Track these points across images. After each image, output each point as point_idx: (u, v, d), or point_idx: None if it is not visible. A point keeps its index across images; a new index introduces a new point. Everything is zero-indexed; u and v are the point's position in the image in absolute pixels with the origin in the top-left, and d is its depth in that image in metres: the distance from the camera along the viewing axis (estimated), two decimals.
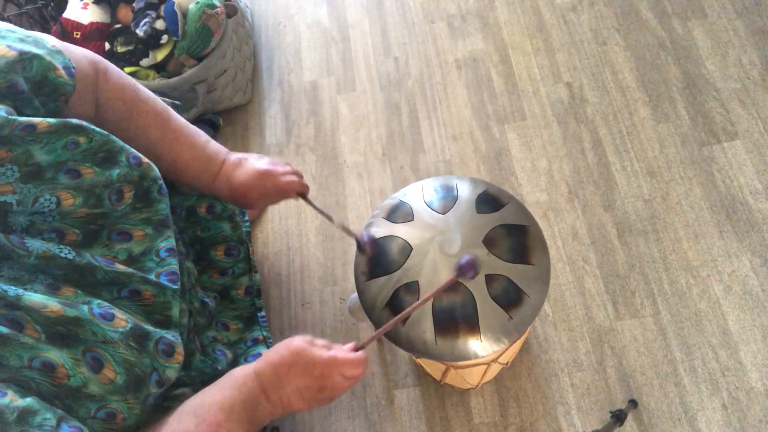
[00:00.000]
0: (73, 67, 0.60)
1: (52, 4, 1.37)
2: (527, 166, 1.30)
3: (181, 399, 0.65)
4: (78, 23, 1.27)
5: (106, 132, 0.60)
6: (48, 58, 0.57)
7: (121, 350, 0.55)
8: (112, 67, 0.69)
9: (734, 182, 1.22)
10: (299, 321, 1.23)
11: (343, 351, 0.63)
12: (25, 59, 0.55)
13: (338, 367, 0.60)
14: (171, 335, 0.63)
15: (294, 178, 0.80)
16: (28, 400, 0.46)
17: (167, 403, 0.64)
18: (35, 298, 0.51)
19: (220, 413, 0.56)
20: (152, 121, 0.72)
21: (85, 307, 0.54)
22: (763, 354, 1.07)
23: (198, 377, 0.71)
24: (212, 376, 0.73)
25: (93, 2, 1.28)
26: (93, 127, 0.59)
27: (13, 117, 0.52)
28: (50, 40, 0.60)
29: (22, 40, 0.57)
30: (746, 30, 1.37)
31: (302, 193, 0.82)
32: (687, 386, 1.06)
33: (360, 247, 0.78)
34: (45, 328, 0.51)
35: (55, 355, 0.50)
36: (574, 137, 1.32)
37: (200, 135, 0.78)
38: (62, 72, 0.58)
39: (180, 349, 0.63)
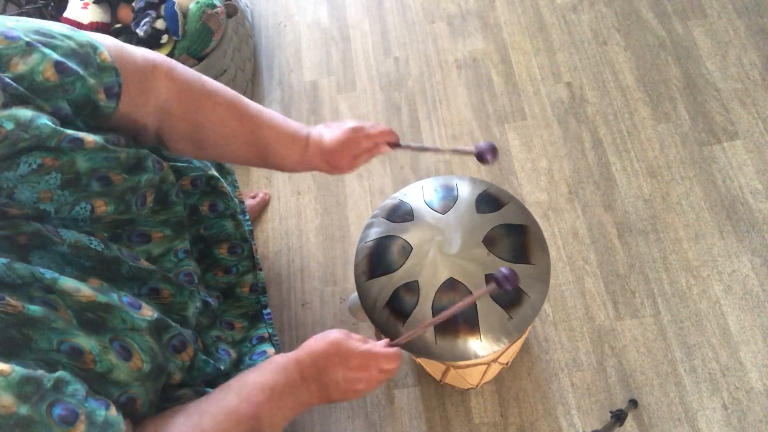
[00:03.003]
0: (119, 85, 0.60)
1: (52, 3, 1.37)
2: (527, 166, 1.30)
3: (182, 400, 0.64)
4: (78, 23, 1.27)
5: (135, 149, 0.61)
6: (92, 80, 0.56)
7: (147, 338, 0.57)
8: (178, 66, 0.68)
9: (734, 182, 1.22)
10: (299, 321, 1.23)
11: (378, 345, 0.65)
12: (67, 83, 0.54)
13: (375, 359, 0.63)
14: (188, 333, 0.64)
15: (382, 127, 0.79)
16: (60, 372, 0.47)
17: (168, 404, 0.64)
18: (69, 282, 0.52)
19: (261, 394, 0.58)
20: (227, 112, 0.71)
21: (115, 295, 0.56)
22: (763, 354, 1.07)
23: (200, 377, 0.71)
24: (215, 376, 0.73)
25: (93, 2, 1.28)
26: (128, 149, 0.60)
27: (61, 129, 0.52)
28: (104, 52, 0.58)
29: (74, 53, 0.56)
30: (746, 30, 1.37)
31: (394, 141, 0.79)
32: (687, 386, 1.06)
33: (482, 158, 0.76)
34: (76, 313, 0.52)
35: (83, 340, 0.51)
36: (574, 137, 1.32)
37: (277, 114, 0.77)
38: (103, 95, 0.58)
39: (190, 350, 0.64)
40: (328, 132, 0.77)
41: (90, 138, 0.55)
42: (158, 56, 0.66)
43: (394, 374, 0.67)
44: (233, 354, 0.81)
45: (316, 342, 0.63)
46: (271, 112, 0.77)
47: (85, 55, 0.57)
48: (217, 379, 0.75)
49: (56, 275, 0.51)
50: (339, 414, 1.13)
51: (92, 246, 0.56)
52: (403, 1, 1.58)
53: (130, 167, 0.61)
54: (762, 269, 1.14)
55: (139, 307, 0.58)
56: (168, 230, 0.68)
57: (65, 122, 0.55)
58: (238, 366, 0.82)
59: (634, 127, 1.31)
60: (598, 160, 1.29)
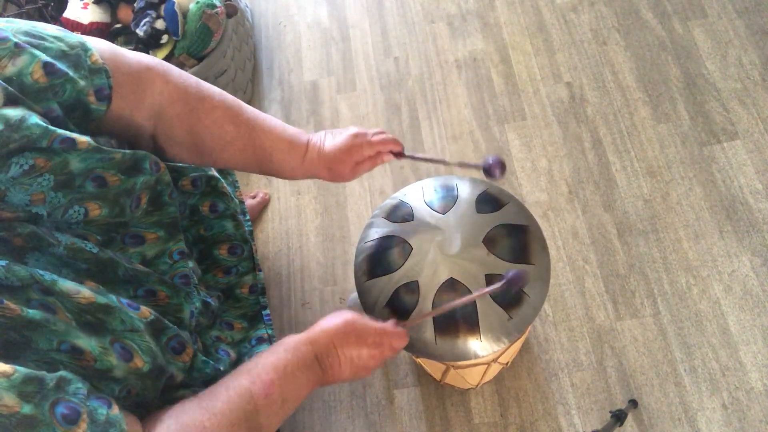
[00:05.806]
0: (110, 87, 0.60)
1: (52, 3, 1.36)
2: (527, 166, 1.30)
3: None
4: (78, 23, 1.27)
5: (132, 151, 0.61)
6: (82, 82, 0.56)
7: (146, 339, 0.57)
8: (174, 69, 0.68)
9: (734, 182, 1.22)
10: (299, 321, 1.23)
11: (388, 325, 0.67)
12: (56, 85, 0.54)
13: (389, 337, 0.65)
14: (185, 334, 0.64)
15: (386, 136, 0.77)
16: (62, 372, 0.47)
17: (168, 405, 0.64)
18: (69, 284, 0.52)
19: (273, 372, 0.59)
20: (223, 116, 0.70)
21: (114, 296, 0.55)
22: (763, 354, 1.07)
23: (200, 378, 0.71)
24: (214, 377, 0.73)
25: (93, 2, 1.28)
26: (123, 150, 0.59)
27: (53, 128, 0.51)
28: (95, 54, 0.58)
29: (64, 54, 0.55)
30: (746, 30, 1.37)
31: (397, 150, 0.77)
32: (687, 386, 1.06)
33: (489, 172, 0.76)
34: (75, 316, 0.52)
35: (83, 341, 0.51)
36: (574, 137, 1.32)
37: (276, 120, 0.76)
38: (93, 98, 0.58)
39: (190, 350, 0.64)
40: (330, 138, 0.76)
41: (83, 139, 0.54)
42: (153, 59, 0.66)
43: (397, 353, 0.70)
44: (233, 354, 0.81)
45: (331, 320, 0.64)
46: (269, 117, 0.75)
47: (76, 56, 0.57)
48: (216, 380, 0.75)
49: (55, 277, 0.51)
50: (339, 414, 1.13)
51: (87, 248, 0.56)
52: (403, 1, 1.58)
53: (126, 168, 0.60)
54: (762, 269, 1.14)
55: (138, 308, 0.57)
56: (161, 231, 0.67)
57: (56, 124, 0.54)
58: (236, 367, 0.81)
59: (634, 127, 1.31)
60: (598, 160, 1.29)
